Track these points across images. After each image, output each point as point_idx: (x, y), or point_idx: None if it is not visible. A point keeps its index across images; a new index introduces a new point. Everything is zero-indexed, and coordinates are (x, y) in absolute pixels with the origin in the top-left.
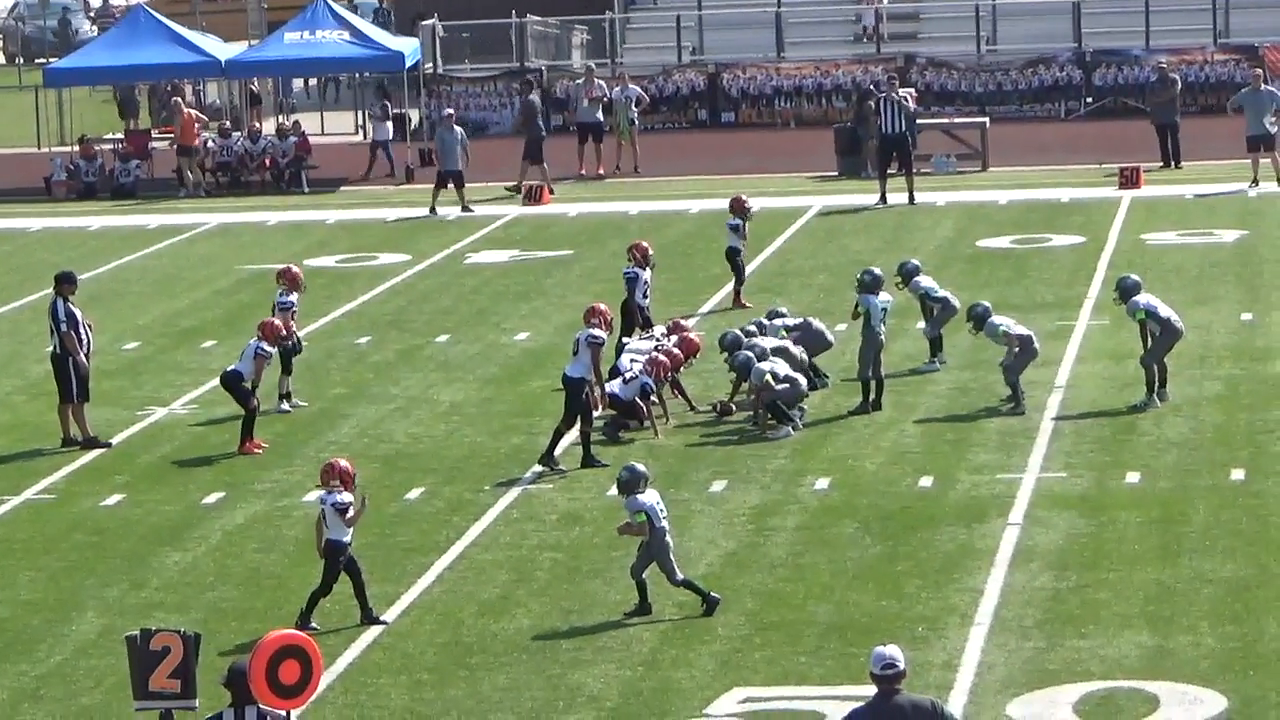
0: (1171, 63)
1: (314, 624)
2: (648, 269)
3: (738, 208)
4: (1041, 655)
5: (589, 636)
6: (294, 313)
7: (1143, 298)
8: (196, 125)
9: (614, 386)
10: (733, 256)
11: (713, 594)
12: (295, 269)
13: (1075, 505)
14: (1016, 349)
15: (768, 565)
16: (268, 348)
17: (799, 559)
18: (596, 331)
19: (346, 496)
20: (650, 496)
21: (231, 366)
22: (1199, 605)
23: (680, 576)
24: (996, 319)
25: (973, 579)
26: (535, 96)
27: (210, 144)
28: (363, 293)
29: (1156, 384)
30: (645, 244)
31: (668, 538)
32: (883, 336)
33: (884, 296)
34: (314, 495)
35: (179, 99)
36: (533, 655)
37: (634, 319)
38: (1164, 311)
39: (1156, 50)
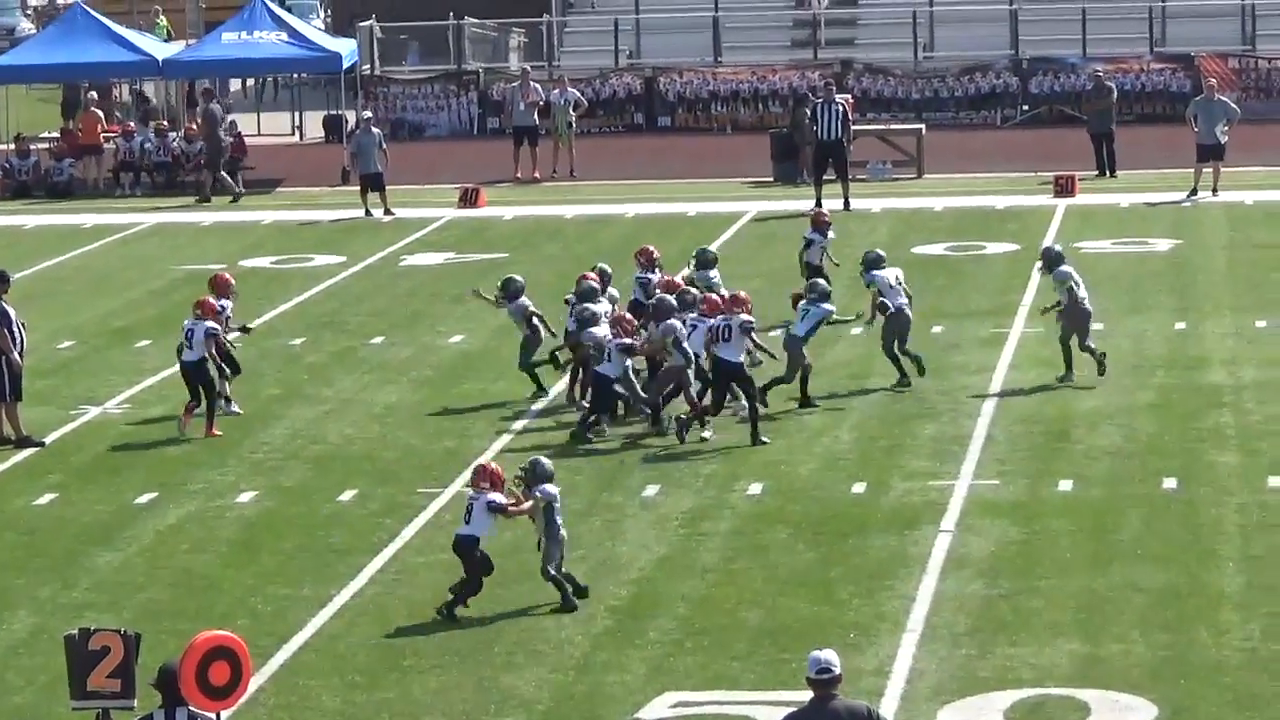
0: (1108, 71)
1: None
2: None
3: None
4: (973, 662)
5: (521, 639)
6: (227, 319)
7: (1068, 266)
8: (100, 125)
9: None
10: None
11: (572, 598)
12: (226, 275)
13: (1008, 513)
14: (890, 312)
15: (700, 570)
16: (213, 325)
17: (731, 564)
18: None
19: (499, 496)
20: (554, 488)
21: (188, 357)
22: (1130, 613)
23: (553, 572)
24: (882, 273)
25: (905, 586)
26: (216, 106)
27: (148, 144)
28: (297, 294)
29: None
30: (650, 248)
31: (563, 531)
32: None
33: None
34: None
35: (91, 95)
36: (465, 658)
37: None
38: (1080, 291)
39: (1093, 58)
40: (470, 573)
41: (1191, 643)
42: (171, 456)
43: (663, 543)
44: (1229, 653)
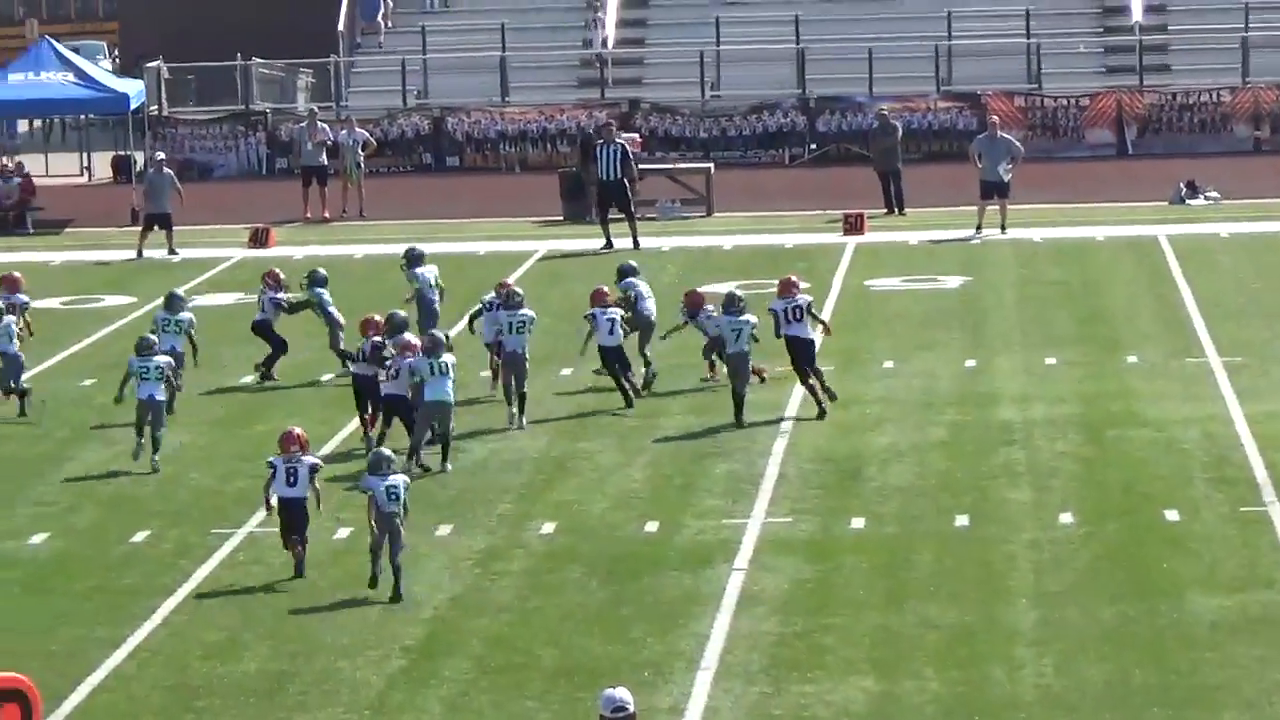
0: (894, 109)
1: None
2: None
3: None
4: (767, 700)
5: (316, 680)
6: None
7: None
8: None
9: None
10: None
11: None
12: (15, 274)
13: (801, 550)
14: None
15: (494, 609)
16: None
17: (525, 603)
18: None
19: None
20: (396, 480)
21: None
22: (924, 650)
23: (397, 560)
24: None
25: (699, 624)
26: None
27: None
28: (88, 335)
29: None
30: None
31: (396, 522)
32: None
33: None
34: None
35: None
36: (260, 698)
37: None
38: (648, 304)
39: (880, 97)
40: (300, 526)
41: (985, 679)
42: None
43: (457, 581)
44: (1022, 689)
